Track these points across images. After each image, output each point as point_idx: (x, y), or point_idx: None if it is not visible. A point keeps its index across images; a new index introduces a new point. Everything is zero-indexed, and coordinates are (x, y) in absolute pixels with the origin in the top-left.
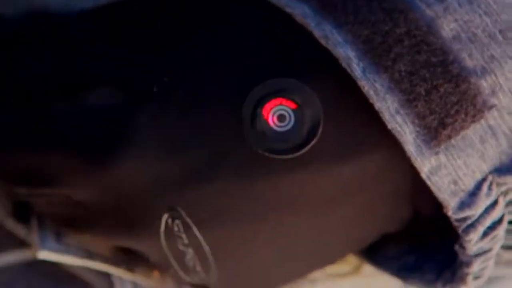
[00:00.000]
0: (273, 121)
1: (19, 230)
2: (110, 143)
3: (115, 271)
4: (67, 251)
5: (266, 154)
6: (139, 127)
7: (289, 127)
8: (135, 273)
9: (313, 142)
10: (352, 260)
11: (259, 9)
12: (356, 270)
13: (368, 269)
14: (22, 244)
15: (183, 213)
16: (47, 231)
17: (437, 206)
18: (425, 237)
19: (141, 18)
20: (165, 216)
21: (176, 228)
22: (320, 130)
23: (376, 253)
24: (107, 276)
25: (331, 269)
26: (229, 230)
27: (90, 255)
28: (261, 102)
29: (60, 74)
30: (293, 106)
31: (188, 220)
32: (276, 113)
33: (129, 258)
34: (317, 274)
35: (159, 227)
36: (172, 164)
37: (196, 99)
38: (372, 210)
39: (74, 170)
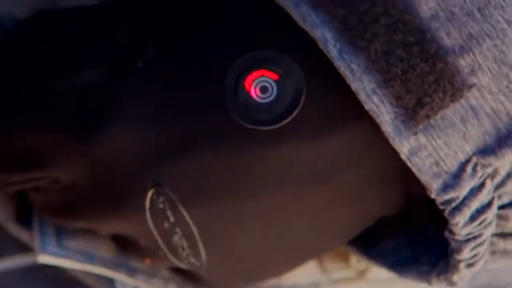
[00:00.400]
0: (256, 93)
1: (21, 234)
2: (95, 118)
3: (116, 275)
4: (68, 255)
5: (249, 125)
6: (123, 101)
7: (271, 98)
8: (136, 278)
9: (296, 112)
10: (356, 265)
11: None
12: (360, 275)
13: (373, 274)
14: (24, 248)
15: (168, 189)
16: (48, 235)
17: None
18: (421, 228)
19: (136, 9)
20: (150, 192)
21: (161, 205)
22: (302, 99)
23: (371, 247)
24: (109, 280)
25: (335, 274)
26: (215, 208)
27: (90, 259)
28: (243, 74)
29: (54, 60)
30: (275, 77)
31: (173, 196)
32: (259, 85)
33: (130, 255)
34: (321, 279)
35: (144, 204)
36: (155, 137)
37: (179, 72)
38: (361, 189)
39: (62, 148)
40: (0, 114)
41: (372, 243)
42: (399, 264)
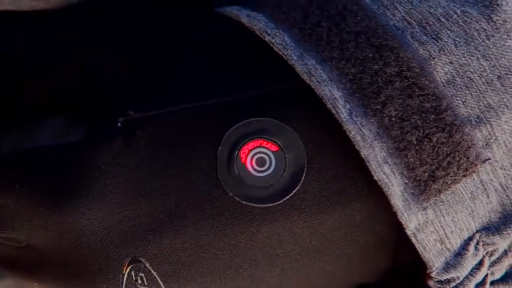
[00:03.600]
0: (252, 165)
1: None
2: (70, 187)
3: None
4: None
5: (244, 201)
6: (102, 171)
7: (269, 172)
8: None
9: (295, 190)
10: None
11: (237, 35)
12: None
13: None
14: None
15: (148, 265)
16: None
17: (417, 256)
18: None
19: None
20: (127, 268)
21: (139, 281)
22: (303, 176)
23: None
24: None
25: None
26: (199, 284)
27: None
28: (238, 143)
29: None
30: (274, 148)
31: (154, 273)
32: (255, 156)
33: None
34: None
35: (121, 280)
36: (136, 211)
37: (164, 138)
38: (353, 261)
39: (29, 214)
40: None
41: None
42: None
